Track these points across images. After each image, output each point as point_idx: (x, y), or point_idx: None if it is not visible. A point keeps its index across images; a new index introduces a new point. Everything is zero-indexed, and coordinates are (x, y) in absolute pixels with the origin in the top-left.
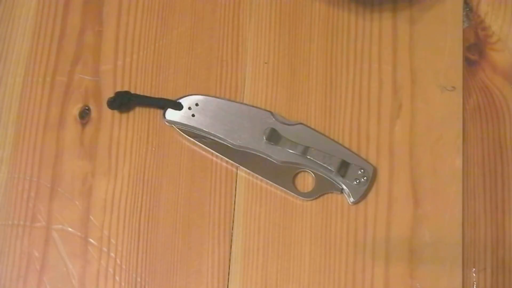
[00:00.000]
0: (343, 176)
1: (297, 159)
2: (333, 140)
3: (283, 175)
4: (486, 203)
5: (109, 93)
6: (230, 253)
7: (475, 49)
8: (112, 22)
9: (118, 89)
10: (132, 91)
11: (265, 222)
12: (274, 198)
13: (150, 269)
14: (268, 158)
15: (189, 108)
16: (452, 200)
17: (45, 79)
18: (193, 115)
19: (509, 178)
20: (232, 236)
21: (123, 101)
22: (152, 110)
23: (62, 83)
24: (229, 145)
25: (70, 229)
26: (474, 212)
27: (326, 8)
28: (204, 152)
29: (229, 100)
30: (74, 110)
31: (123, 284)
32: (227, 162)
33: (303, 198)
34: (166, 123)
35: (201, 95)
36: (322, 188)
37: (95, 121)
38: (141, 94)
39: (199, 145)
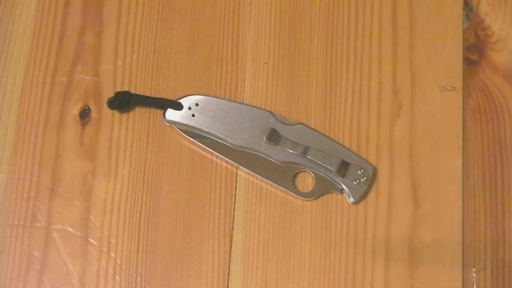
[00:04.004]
0: (343, 176)
1: (297, 159)
2: (333, 140)
3: (283, 175)
4: (486, 203)
5: (109, 93)
6: (230, 253)
7: (475, 49)
8: (112, 22)
9: (118, 89)
10: (132, 91)
11: (265, 222)
12: (274, 198)
13: (150, 269)
14: (268, 158)
15: (189, 108)
16: (452, 200)
17: (45, 79)
18: (193, 115)
19: (509, 178)
20: (232, 236)
21: (123, 101)
22: (152, 110)
23: (62, 83)
24: (229, 145)
25: (70, 229)
26: (474, 212)
27: (326, 8)
28: (204, 152)
29: (229, 100)
30: (74, 110)
31: (123, 284)
32: (227, 162)
33: (303, 198)
34: (166, 123)
35: (201, 95)
36: (322, 188)
37: (95, 121)
38: (141, 94)
39: (199, 145)
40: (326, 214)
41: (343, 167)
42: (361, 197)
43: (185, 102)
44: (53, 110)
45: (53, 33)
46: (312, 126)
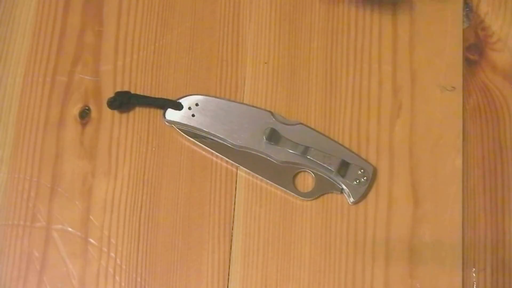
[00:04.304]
0: (343, 176)
1: (297, 159)
2: (333, 140)
3: (283, 175)
4: (486, 203)
5: (109, 93)
6: (230, 253)
7: (475, 49)
8: (112, 22)
9: (118, 89)
10: (132, 91)
11: (265, 222)
12: (274, 198)
13: (150, 269)
14: (268, 158)
15: (189, 108)
16: (452, 200)
17: (45, 79)
18: (193, 115)
19: (509, 178)
20: (232, 236)
21: (123, 101)
22: (152, 110)
23: (62, 83)
24: (229, 145)
25: (70, 229)
26: (474, 212)
27: (326, 8)
28: (204, 152)
29: (229, 100)
30: (74, 110)
31: (123, 284)
32: (227, 162)
33: (303, 198)
34: (166, 123)
35: (201, 95)
36: (322, 188)
37: (95, 121)
38: (141, 94)
39: (199, 145)
40: (326, 214)
41: (343, 167)
42: (361, 197)
43: (185, 102)
44: (53, 110)
45: (53, 33)
46: (312, 126)
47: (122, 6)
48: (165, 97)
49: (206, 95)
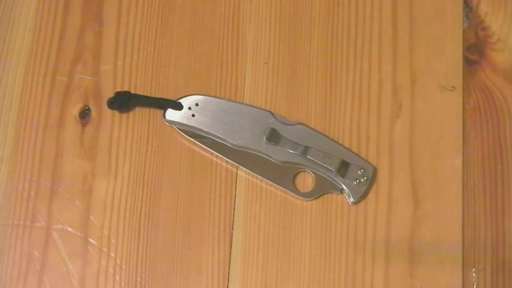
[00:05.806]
0: (343, 176)
1: (297, 159)
2: (333, 140)
3: (283, 175)
4: (486, 203)
5: (109, 93)
6: (230, 253)
7: (475, 49)
8: (112, 22)
9: (118, 89)
10: (132, 91)
11: (265, 222)
12: (274, 198)
13: (150, 269)
14: (268, 158)
15: (189, 108)
16: (452, 200)
17: (45, 79)
18: (193, 115)
19: (509, 178)
20: (232, 236)
21: (123, 101)
22: (152, 110)
23: (62, 83)
24: (229, 145)
25: (70, 229)
26: (474, 212)
27: (326, 8)
28: (204, 152)
29: (229, 100)
30: (74, 110)
31: (123, 284)
32: (227, 162)
33: (303, 198)
34: (166, 123)
35: (201, 95)
36: (322, 188)
37: (95, 121)
38: (141, 94)
39: (199, 145)
40: (326, 214)
41: (343, 167)
42: (361, 197)
43: (185, 102)
44: (53, 110)
45: (53, 33)
46: (312, 126)
47: (122, 6)
48: (165, 97)
49: (206, 95)
